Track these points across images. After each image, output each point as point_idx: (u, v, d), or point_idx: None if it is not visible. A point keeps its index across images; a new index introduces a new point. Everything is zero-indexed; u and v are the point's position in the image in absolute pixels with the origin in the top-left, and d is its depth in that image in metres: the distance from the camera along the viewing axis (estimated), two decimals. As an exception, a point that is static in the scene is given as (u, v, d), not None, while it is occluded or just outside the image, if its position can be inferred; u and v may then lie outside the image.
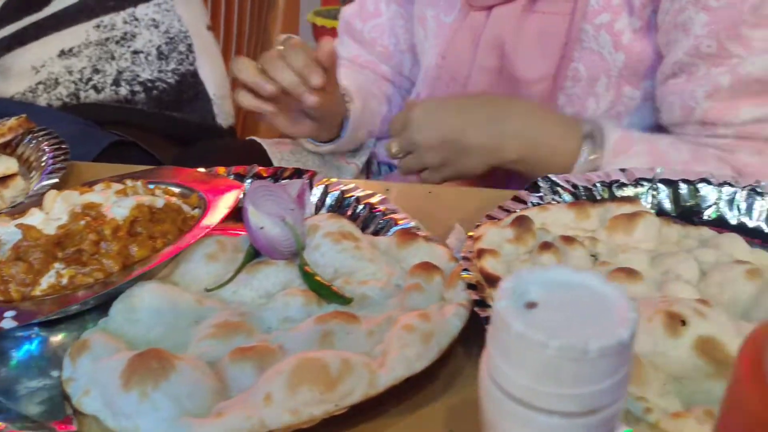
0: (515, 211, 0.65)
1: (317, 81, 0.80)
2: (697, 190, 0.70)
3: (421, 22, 0.99)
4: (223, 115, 1.39)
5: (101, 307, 0.60)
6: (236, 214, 0.70)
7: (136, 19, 1.34)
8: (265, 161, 1.04)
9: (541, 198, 0.68)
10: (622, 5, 0.81)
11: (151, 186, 0.73)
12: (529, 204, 0.67)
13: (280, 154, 1.04)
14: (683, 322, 0.49)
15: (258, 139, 1.07)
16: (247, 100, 0.86)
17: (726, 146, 0.81)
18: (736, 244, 0.62)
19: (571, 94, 0.86)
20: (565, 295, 0.33)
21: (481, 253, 0.56)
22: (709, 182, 0.70)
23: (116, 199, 0.65)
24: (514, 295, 0.33)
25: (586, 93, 0.84)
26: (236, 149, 1.12)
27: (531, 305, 0.33)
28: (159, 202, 0.66)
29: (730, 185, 0.69)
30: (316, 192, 0.76)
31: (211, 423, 0.44)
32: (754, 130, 0.79)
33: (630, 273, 0.57)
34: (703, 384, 0.47)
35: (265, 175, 0.79)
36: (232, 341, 0.53)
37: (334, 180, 0.77)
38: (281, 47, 0.82)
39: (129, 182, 0.69)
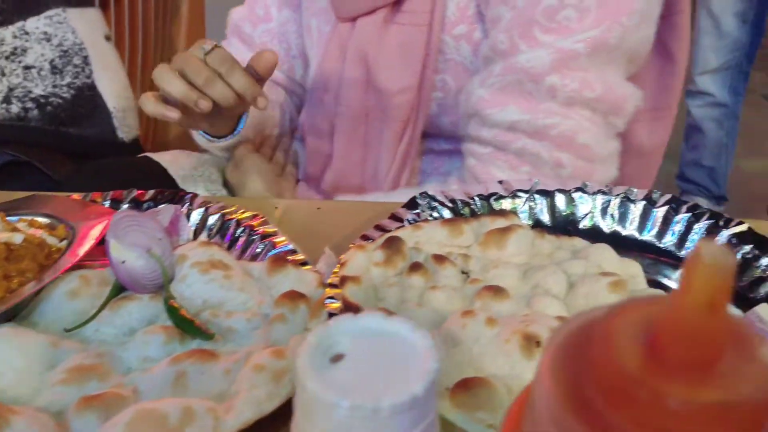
0: (391, 230, 0.64)
1: (263, 105, 0.79)
2: (572, 200, 0.70)
3: (308, 31, 0.98)
4: (125, 129, 1.35)
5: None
6: (108, 244, 0.67)
7: (27, 33, 1.28)
8: (166, 177, 1.00)
9: (418, 215, 0.68)
10: (475, 16, 0.81)
11: (15, 218, 0.69)
12: (406, 222, 0.66)
13: (181, 170, 1.01)
14: (538, 344, 0.49)
15: (155, 157, 1.03)
16: (152, 106, 0.81)
17: (485, 157, 0.81)
18: (605, 255, 0.62)
19: (443, 104, 0.86)
20: (374, 345, 0.32)
21: (343, 280, 0.54)
22: (584, 191, 0.70)
23: (-30, 237, 0.62)
24: (318, 349, 0.31)
25: (456, 103, 0.84)
26: (134, 167, 1.08)
27: (337, 358, 0.32)
28: (17, 238, 0.63)
29: (604, 193, 0.70)
30: (196, 215, 0.74)
31: (43, 484, 0.41)
32: (509, 139, 0.79)
33: (497, 291, 0.57)
34: (559, 405, 0.47)
35: (143, 199, 0.76)
36: (85, 387, 0.51)
37: (214, 203, 0.74)
38: (207, 56, 0.78)
39: (-15, 218, 0.66)
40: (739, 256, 0.64)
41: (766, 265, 0.63)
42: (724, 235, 0.66)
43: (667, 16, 0.80)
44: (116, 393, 0.48)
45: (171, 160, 1.02)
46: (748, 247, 0.64)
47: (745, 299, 0.62)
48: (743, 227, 0.65)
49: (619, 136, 0.83)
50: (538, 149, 0.78)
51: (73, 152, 1.28)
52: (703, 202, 2.57)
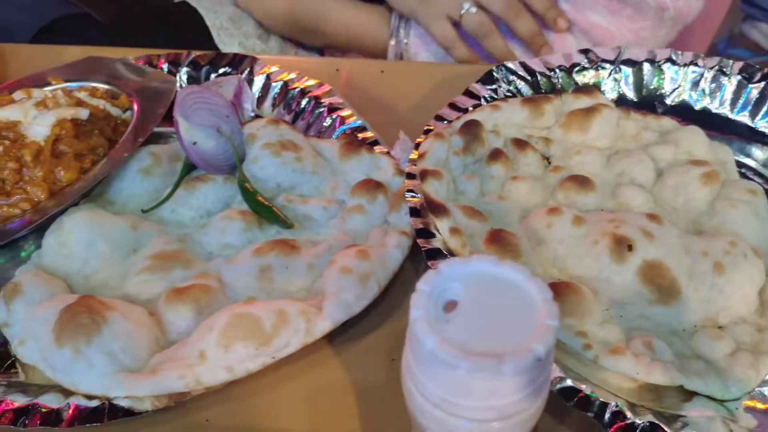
0: (467, 109, 0.61)
1: (564, 26, 0.78)
2: (661, 71, 0.65)
3: None
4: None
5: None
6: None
7: None
8: (203, 26, 0.96)
9: (494, 91, 0.64)
10: None
11: (75, 85, 0.67)
12: (482, 100, 0.63)
13: (219, 21, 0.96)
14: (630, 247, 0.48)
15: (193, 3, 0.98)
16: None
17: (581, 0, 0.77)
18: (695, 139, 0.59)
19: None
20: (488, 291, 0.31)
21: (424, 174, 0.52)
22: (674, 62, 0.65)
23: (36, 114, 0.60)
24: (431, 297, 0.31)
25: None
26: (171, 15, 1.02)
27: (451, 306, 0.31)
28: (83, 114, 0.61)
29: (696, 65, 0.64)
30: (258, 82, 0.71)
31: (148, 380, 0.43)
32: None
33: (582, 183, 0.54)
34: (646, 309, 0.47)
35: (202, 63, 0.73)
36: (170, 274, 0.52)
37: (275, 68, 0.71)
38: None
39: (49, 92, 0.63)
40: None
41: None
42: (826, 116, 0.61)
43: None
44: (204, 285, 0.49)
45: (209, 8, 0.97)
46: None
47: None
48: None
49: None
50: None
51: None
52: (766, 29, 2.39)
